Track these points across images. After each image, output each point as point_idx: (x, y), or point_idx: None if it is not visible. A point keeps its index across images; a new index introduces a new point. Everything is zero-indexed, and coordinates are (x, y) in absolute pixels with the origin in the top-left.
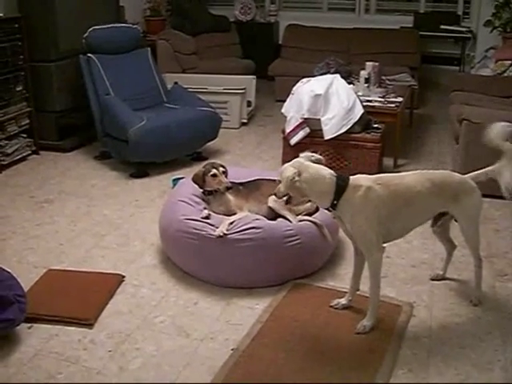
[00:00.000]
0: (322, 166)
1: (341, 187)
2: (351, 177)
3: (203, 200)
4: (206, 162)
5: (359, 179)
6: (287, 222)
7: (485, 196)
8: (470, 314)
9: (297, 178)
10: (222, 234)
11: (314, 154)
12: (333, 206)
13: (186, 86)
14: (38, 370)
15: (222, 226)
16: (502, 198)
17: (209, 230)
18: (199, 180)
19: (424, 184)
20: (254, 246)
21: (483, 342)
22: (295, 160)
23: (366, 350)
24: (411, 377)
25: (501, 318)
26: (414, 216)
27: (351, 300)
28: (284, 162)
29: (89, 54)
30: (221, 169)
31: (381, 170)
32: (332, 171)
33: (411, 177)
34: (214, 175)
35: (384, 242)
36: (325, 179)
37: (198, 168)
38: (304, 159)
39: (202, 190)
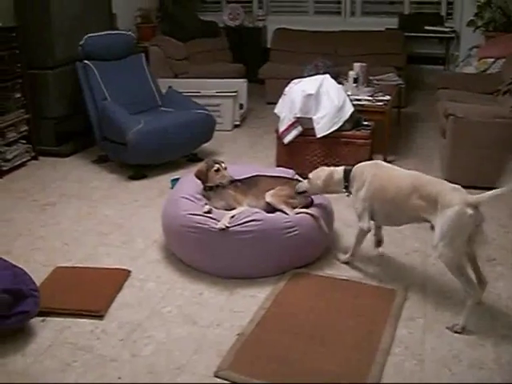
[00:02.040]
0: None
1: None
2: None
3: (204, 196)
4: (206, 159)
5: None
6: (285, 214)
7: (470, 187)
8: (461, 295)
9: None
10: (224, 227)
11: None
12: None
13: (179, 91)
14: (54, 358)
15: (224, 219)
16: (488, 189)
17: (211, 223)
18: (202, 175)
19: (408, 186)
20: (255, 238)
21: (475, 320)
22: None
23: (365, 331)
24: (408, 354)
25: (490, 299)
26: (395, 211)
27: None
28: (278, 160)
29: (85, 61)
30: (223, 164)
31: None
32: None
33: (402, 178)
34: (218, 170)
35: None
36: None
37: (194, 169)
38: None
39: (203, 186)
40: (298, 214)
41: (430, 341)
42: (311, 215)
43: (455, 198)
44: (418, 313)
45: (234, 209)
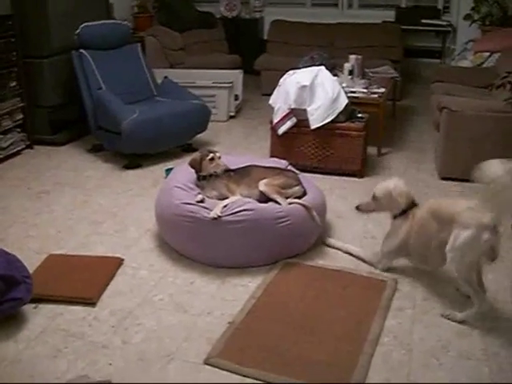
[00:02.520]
0: None
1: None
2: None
3: (197, 186)
4: (200, 149)
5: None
6: (277, 204)
7: (463, 180)
8: (450, 286)
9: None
10: (216, 216)
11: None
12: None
13: (175, 81)
14: (46, 345)
15: (216, 208)
16: (458, 180)
17: (204, 212)
18: (197, 164)
19: (427, 219)
20: (247, 228)
21: (463, 311)
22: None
23: (355, 321)
24: (396, 344)
25: None
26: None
27: None
28: (272, 151)
29: (81, 50)
30: (217, 153)
31: (365, 157)
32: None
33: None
34: (212, 159)
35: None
36: None
37: (188, 159)
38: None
39: (196, 175)
40: (290, 204)
41: (419, 331)
42: (304, 206)
43: (472, 219)
44: (407, 303)
45: (226, 198)
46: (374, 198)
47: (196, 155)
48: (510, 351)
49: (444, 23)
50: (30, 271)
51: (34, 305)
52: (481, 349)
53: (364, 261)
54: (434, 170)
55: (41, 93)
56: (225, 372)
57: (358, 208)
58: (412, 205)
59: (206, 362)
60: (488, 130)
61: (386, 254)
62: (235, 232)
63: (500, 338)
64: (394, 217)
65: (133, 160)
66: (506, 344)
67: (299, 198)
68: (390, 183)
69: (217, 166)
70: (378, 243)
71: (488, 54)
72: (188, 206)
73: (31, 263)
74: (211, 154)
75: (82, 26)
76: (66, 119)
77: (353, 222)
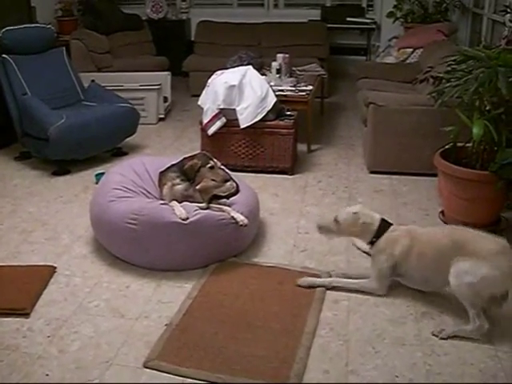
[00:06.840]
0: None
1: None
2: None
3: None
4: (198, 153)
5: None
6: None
7: (391, 173)
8: None
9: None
10: (185, 217)
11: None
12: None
13: (102, 85)
14: None
15: (178, 209)
16: (408, 174)
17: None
18: (192, 172)
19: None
20: (191, 231)
21: (396, 300)
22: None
23: (291, 315)
24: (333, 335)
25: None
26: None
27: None
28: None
29: (3, 55)
30: (218, 162)
31: (295, 154)
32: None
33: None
34: (212, 167)
35: None
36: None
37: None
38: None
39: (188, 182)
40: (209, 208)
41: (355, 322)
42: (222, 211)
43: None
44: (342, 295)
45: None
46: (336, 221)
47: (194, 162)
48: None
49: (368, 21)
50: None
51: None
52: (414, 335)
53: (363, 292)
54: (363, 164)
55: None
56: (165, 374)
57: (318, 227)
58: (386, 225)
59: (146, 366)
60: (413, 123)
61: (380, 277)
62: (178, 236)
63: (431, 323)
64: (371, 242)
65: (61, 166)
66: (437, 327)
67: (234, 195)
68: (353, 208)
69: (216, 175)
70: (312, 238)
71: (411, 49)
72: (127, 207)
73: None
74: (211, 162)
75: (4, 30)
76: None
77: (285, 219)
